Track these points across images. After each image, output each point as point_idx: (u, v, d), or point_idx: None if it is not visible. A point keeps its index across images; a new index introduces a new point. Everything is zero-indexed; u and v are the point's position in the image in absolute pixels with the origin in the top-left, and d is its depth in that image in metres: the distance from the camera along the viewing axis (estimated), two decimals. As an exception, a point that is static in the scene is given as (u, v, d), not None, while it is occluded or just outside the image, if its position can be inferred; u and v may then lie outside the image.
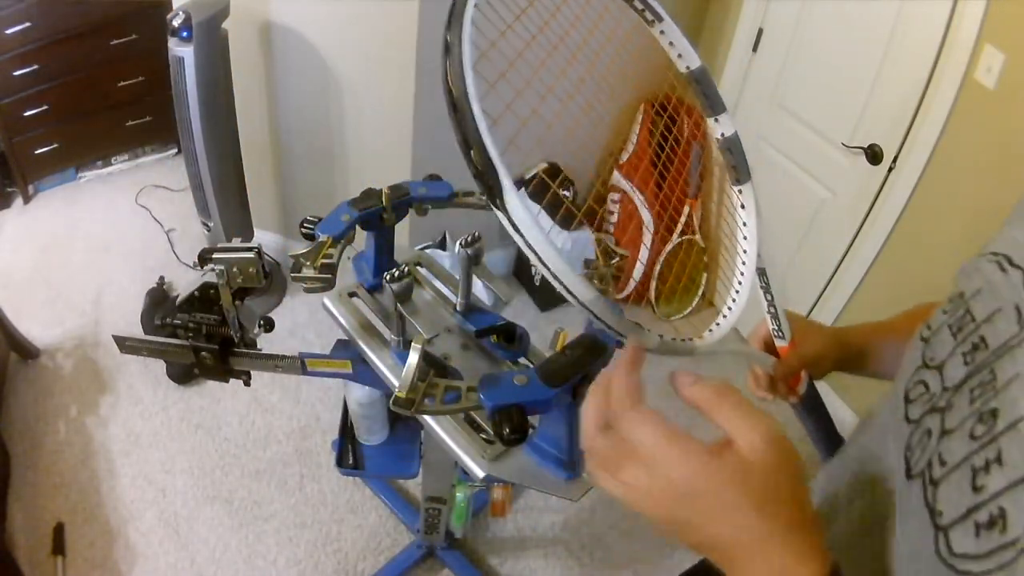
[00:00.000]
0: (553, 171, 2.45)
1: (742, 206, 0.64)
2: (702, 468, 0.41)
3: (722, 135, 0.57)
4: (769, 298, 0.74)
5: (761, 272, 0.71)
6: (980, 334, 0.46)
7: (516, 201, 0.40)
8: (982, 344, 0.45)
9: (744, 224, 0.66)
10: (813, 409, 0.82)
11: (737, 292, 0.67)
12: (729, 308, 0.64)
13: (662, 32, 0.49)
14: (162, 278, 2.48)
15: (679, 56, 0.51)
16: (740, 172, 0.64)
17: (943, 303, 0.54)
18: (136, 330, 2.31)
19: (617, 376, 0.45)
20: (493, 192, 0.40)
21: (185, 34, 1.75)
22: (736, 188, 0.65)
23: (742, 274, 0.67)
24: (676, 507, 0.42)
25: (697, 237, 2.52)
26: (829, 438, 0.84)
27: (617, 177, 2.53)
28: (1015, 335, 0.43)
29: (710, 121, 0.59)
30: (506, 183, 0.40)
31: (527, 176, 2.43)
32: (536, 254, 0.42)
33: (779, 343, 0.76)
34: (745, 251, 0.67)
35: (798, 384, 0.79)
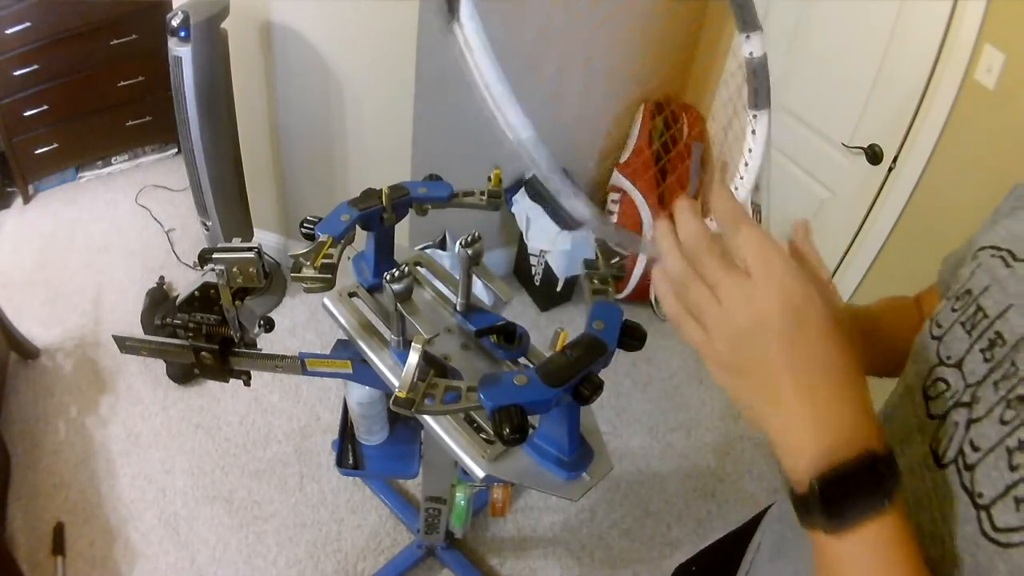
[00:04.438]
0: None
1: (753, 132, 0.62)
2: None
3: (751, 54, 0.55)
4: None
5: (755, 209, 0.67)
6: (996, 330, 0.48)
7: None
8: (999, 340, 0.47)
9: (749, 151, 0.63)
10: None
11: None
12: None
13: None
14: (162, 278, 2.48)
15: None
16: (760, 97, 0.61)
17: (930, 299, 0.54)
18: (136, 330, 2.31)
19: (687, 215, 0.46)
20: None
21: (183, 34, 1.75)
22: (751, 112, 0.62)
23: (736, 189, 0.65)
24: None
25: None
26: None
27: (617, 177, 2.52)
28: None
29: (741, 38, 0.56)
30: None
31: (527, 176, 2.44)
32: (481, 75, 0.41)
33: None
34: (742, 177, 0.64)
35: None
